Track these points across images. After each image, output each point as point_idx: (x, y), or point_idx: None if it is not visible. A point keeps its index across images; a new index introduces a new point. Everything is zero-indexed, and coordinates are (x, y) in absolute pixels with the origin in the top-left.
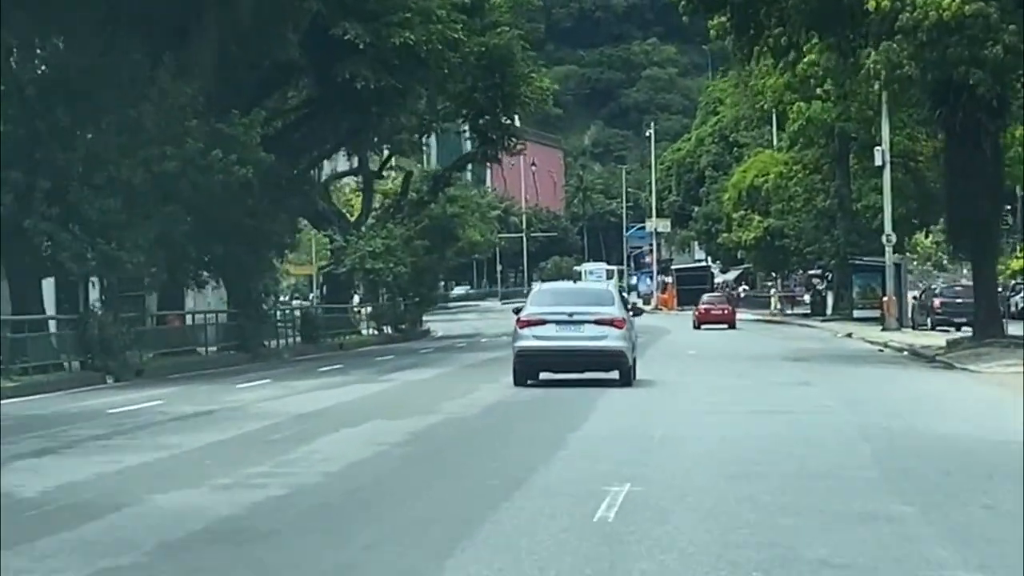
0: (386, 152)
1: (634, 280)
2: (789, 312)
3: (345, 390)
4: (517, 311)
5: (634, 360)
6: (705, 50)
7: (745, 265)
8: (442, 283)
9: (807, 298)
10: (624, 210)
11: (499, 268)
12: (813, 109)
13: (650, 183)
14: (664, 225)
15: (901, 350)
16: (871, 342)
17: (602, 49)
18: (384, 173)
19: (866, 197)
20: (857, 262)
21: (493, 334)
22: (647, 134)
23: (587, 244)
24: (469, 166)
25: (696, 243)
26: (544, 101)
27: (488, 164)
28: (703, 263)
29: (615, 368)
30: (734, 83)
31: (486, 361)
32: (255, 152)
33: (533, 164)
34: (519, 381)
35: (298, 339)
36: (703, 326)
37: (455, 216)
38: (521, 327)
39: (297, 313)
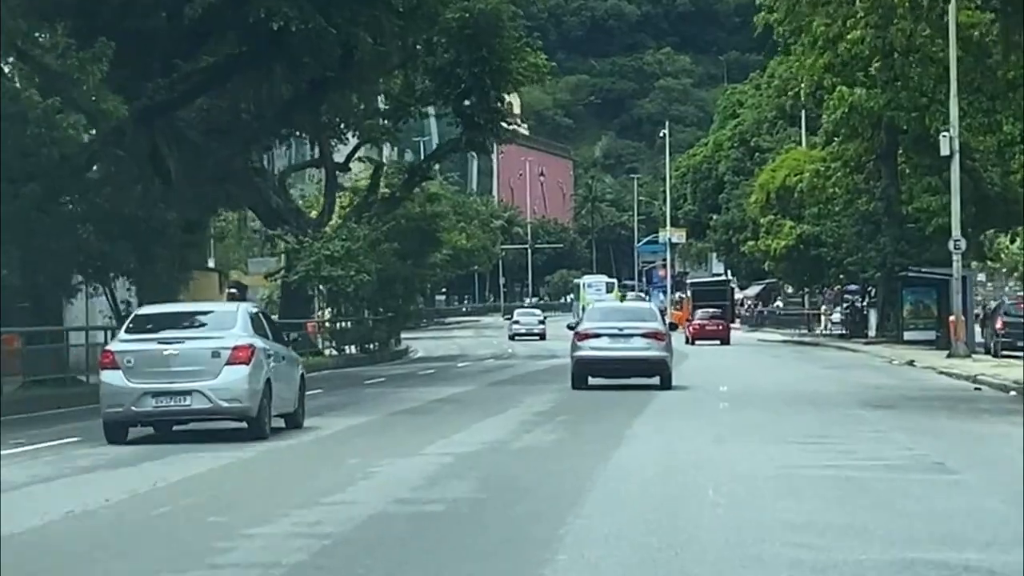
0: (355, 140)
1: (644, 295)
2: (819, 332)
3: (139, 472)
4: (572, 327)
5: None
6: (721, 60)
7: (768, 280)
8: (442, 295)
9: (836, 316)
10: (635, 222)
11: (502, 281)
12: (858, 96)
13: (664, 191)
14: (679, 235)
15: (1006, 389)
16: (948, 374)
17: (614, 59)
18: (352, 165)
19: (918, 199)
20: (909, 274)
21: (477, 356)
22: (661, 134)
23: (595, 257)
24: (474, 171)
25: (714, 255)
26: (538, 79)
27: (474, 153)
28: (722, 277)
29: (658, 374)
30: (756, 84)
31: (436, 403)
32: (104, 101)
33: (541, 174)
34: (576, 385)
35: None
36: (696, 342)
37: (436, 216)
38: (579, 340)
39: None
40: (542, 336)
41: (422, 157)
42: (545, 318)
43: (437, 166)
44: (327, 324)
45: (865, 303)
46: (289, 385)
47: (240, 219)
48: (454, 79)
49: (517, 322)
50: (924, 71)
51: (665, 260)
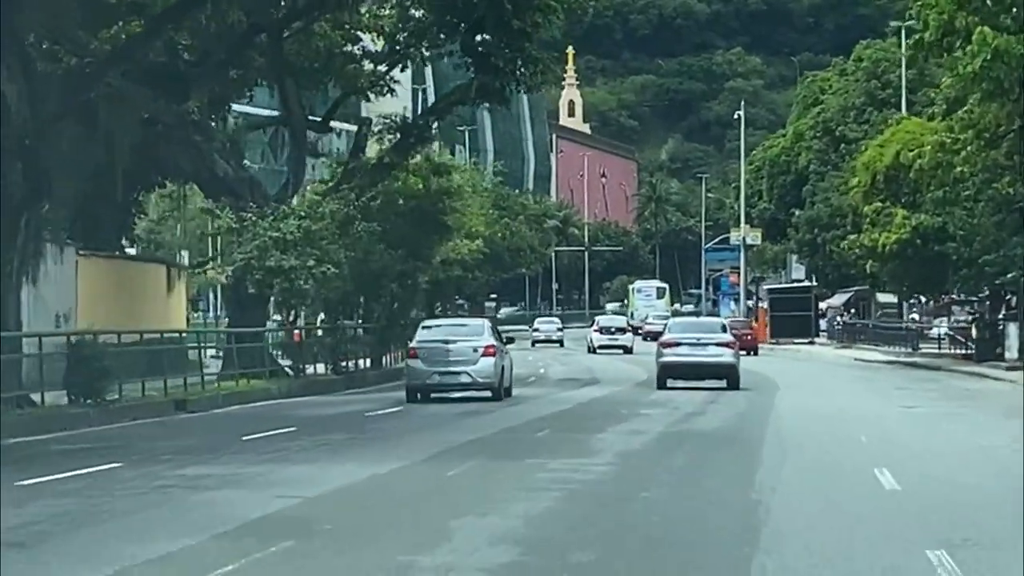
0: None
1: (712, 306)
2: (933, 351)
3: None
4: (655, 337)
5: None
6: (793, 62)
7: (856, 287)
8: (492, 301)
9: (939, 331)
10: (703, 225)
11: (555, 286)
12: (1006, 40)
13: (737, 186)
14: (754, 236)
15: None
16: None
17: (682, 58)
18: (334, 125)
19: None
20: None
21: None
22: (735, 116)
23: (659, 263)
24: (531, 172)
25: (794, 258)
26: (582, 9)
27: (488, 106)
28: (804, 283)
29: (727, 377)
30: (840, 69)
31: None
32: None
33: (603, 175)
34: (660, 385)
35: (65, 395)
36: None
37: (444, 193)
38: (663, 347)
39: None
40: (560, 343)
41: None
42: (563, 327)
43: (437, 124)
44: (319, 332)
45: (1003, 315)
46: (508, 370)
47: (179, 193)
48: (461, 3)
49: (537, 329)
50: None
51: (737, 266)
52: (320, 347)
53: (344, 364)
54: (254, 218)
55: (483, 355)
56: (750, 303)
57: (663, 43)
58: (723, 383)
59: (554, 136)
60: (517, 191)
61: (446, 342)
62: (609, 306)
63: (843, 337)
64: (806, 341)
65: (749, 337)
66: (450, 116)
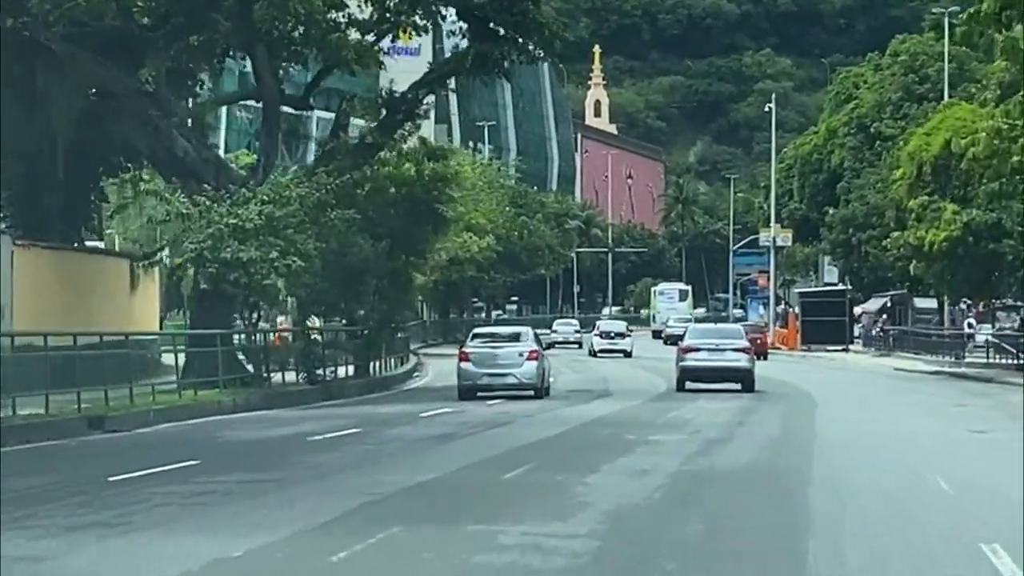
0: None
1: (741, 310)
2: (974, 361)
3: None
4: (675, 341)
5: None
6: (824, 63)
7: (893, 292)
8: (513, 303)
9: (982, 338)
10: (731, 227)
11: (576, 288)
12: None
13: (766, 186)
14: (785, 236)
15: None
16: None
17: (711, 59)
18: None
19: None
20: None
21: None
22: (766, 108)
23: (685, 267)
24: (554, 172)
25: (826, 260)
26: None
27: (483, 79)
28: (838, 287)
29: (742, 380)
30: (875, 64)
31: None
32: None
33: (629, 176)
34: (680, 388)
35: None
36: None
37: (440, 180)
38: (683, 352)
39: None
40: (579, 344)
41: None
42: (580, 329)
43: (429, 100)
44: (310, 333)
45: None
46: (547, 371)
47: (134, 177)
48: None
49: (555, 331)
50: None
51: (765, 269)
52: (290, 352)
53: (320, 372)
54: (208, 202)
55: (528, 359)
56: (779, 308)
57: (692, 44)
58: (740, 389)
59: (579, 136)
60: (536, 189)
61: (495, 347)
62: (605, 311)
63: (880, 344)
64: (840, 348)
65: (759, 342)
66: (472, 113)
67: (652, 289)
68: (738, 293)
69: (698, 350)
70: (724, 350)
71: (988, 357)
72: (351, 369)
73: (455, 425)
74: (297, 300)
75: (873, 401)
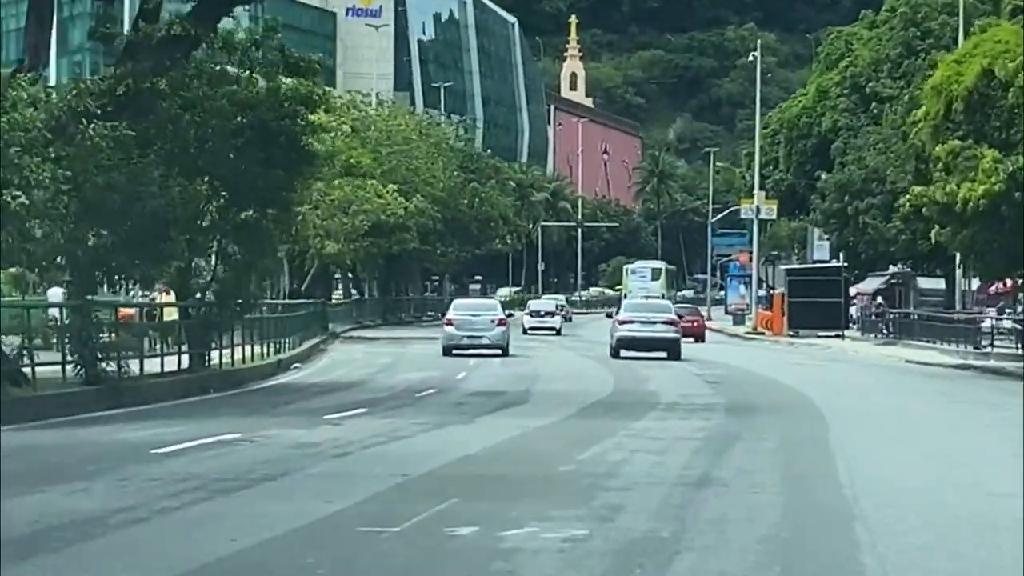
0: None
1: (720, 291)
2: (1004, 352)
3: None
4: (609, 315)
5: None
6: (809, 39)
7: (897, 269)
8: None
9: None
10: (711, 203)
11: (541, 266)
12: None
13: (749, 153)
14: (769, 209)
15: None
16: None
17: (693, 34)
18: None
19: None
20: None
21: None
22: (750, 58)
23: (661, 245)
24: (524, 145)
25: (816, 234)
26: None
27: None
28: (832, 263)
29: (670, 349)
30: (870, 22)
31: None
32: None
33: (605, 152)
34: (614, 355)
35: None
36: None
37: (303, 103)
38: (619, 324)
39: None
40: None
41: None
42: (564, 310)
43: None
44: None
45: None
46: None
47: None
48: None
49: (533, 313)
50: None
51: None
52: (63, 335)
53: (105, 365)
54: None
55: (497, 325)
56: (761, 292)
57: (673, 17)
58: (666, 357)
59: (552, 108)
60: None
61: (473, 315)
62: (545, 297)
63: (883, 331)
64: (834, 334)
65: (695, 324)
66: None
67: (624, 267)
68: (719, 274)
69: (632, 322)
70: (654, 323)
71: (1018, 346)
72: (184, 360)
73: (175, 482)
74: (69, 261)
75: (905, 412)
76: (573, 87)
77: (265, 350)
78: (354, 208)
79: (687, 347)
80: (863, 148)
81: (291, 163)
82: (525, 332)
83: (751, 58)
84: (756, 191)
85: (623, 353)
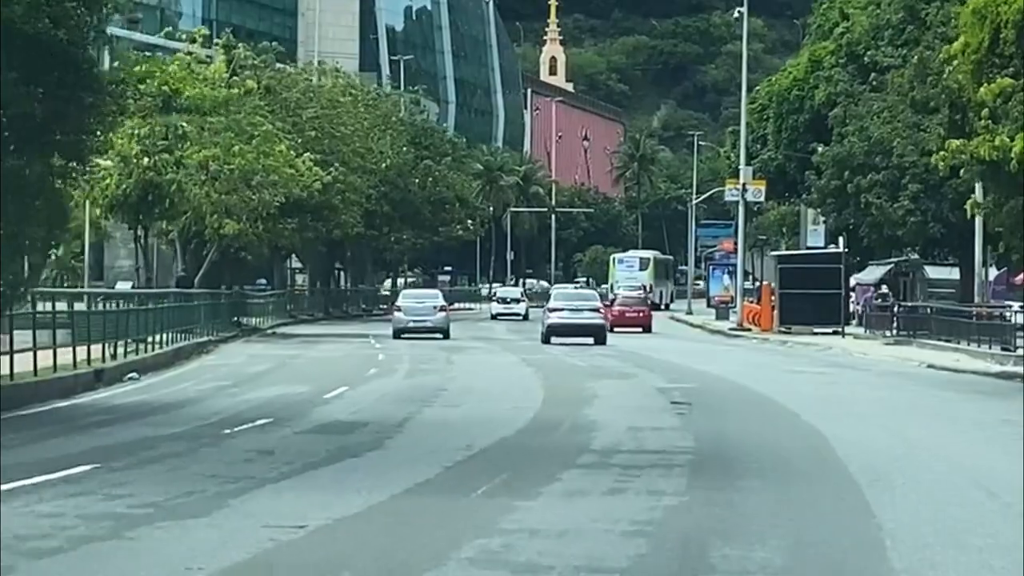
0: None
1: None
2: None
3: None
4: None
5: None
6: (796, 24)
7: (896, 259)
8: (445, 274)
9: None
10: (695, 189)
11: (511, 255)
12: None
13: (734, 130)
14: (757, 190)
15: None
16: None
17: (677, 19)
18: None
19: None
20: None
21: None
22: (736, 15)
23: (642, 235)
24: (500, 129)
25: (811, 217)
26: None
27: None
28: (831, 250)
29: (596, 335)
30: None
31: None
32: None
33: (585, 138)
34: (545, 341)
35: None
36: (615, 329)
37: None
38: (550, 312)
39: None
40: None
41: None
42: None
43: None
44: None
45: None
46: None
47: None
48: None
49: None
50: None
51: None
52: None
53: None
54: None
55: (439, 311)
56: (748, 284)
57: (657, 2)
58: (593, 342)
59: (529, 92)
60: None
61: (418, 302)
62: (505, 287)
63: (895, 328)
64: (831, 331)
65: (642, 314)
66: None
67: (612, 257)
68: (703, 265)
69: (561, 310)
70: (582, 310)
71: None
72: None
73: None
74: None
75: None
76: (553, 72)
77: (91, 354)
78: (258, 180)
79: (645, 341)
80: (865, 117)
81: (66, 89)
82: (493, 318)
83: (736, 15)
84: (742, 166)
85: (554, 340)
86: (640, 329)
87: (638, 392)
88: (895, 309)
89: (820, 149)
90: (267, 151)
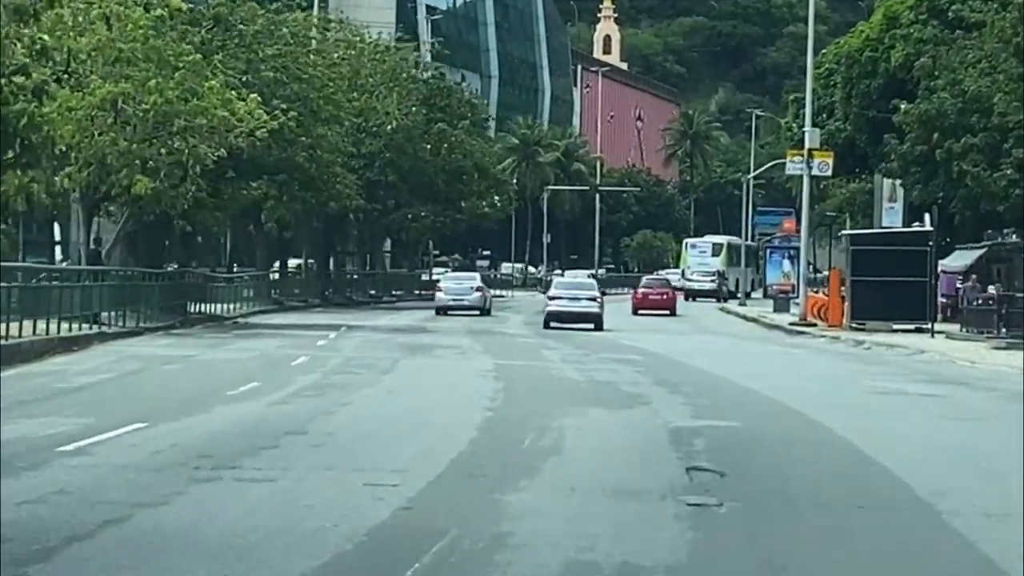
0: None
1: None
2: None
3: None
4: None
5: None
6: (861, 6)
7: (1000, 238)
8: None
9: None
10: (752, 165)
11: (547, 238)
12: None
13: (796, 99)
14: (824, 163)
15: None
16: None
17: None
18: None
19: None
20: None
21: None
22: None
23: (694, 219)
24: (546, 105)
25: (887, 192)
26: None
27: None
28: (916, 228)
29: (594, 322)
30: None
31: None
32: None
33: (639, 119)
34: (546, 326)
35: None
36: (639, 312)
37: None
38: (550, 300)
39: None
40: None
41: None
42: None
43: None
44: None
45: None
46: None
47: None
48: None
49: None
50: None
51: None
52: None
53: None
54: None
55: (475, 292)
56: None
57: None
58: (592, 329)
59: (579, 68)
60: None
61: (457, 283)
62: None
63: (988, 323)
64: (914, 328)
65: (666, 296)
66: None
67: (685, 242)
68: (760, 254)
69: (560, 298)
70: (580, 298)
71: None
72: None
73: None
74: None
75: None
76: (607, 50)
77: None
78: (180, 124)
79: (682, 342)
80: (959, 68)
81: None
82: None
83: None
84: (807, 128)
85: (552, 323)
86: (666, 312)
87: (636, 438)
88: (1002, 304)
89: (903, 107)
90: (194, 89)
